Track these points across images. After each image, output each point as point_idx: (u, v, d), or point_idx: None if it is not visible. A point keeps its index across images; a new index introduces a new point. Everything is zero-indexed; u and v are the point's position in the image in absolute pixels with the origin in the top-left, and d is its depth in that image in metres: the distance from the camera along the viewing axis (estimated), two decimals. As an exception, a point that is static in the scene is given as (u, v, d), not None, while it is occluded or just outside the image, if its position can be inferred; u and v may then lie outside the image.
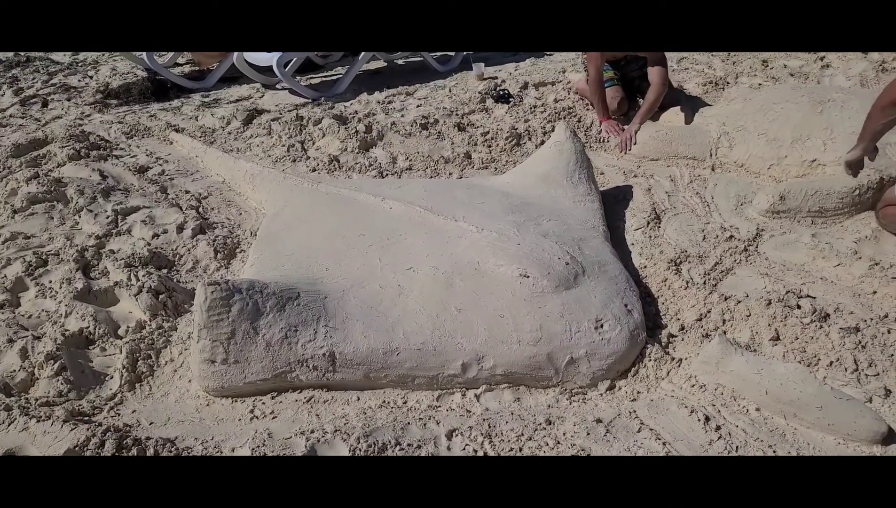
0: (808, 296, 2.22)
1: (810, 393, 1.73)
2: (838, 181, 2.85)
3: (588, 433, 1.79)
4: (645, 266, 2.60)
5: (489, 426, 1.84)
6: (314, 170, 3.46)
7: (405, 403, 1.97)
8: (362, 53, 4.83)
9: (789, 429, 1.75)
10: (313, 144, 3.75)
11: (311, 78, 5.07)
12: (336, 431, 1.75)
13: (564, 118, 3.96)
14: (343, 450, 1.70)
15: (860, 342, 1.97)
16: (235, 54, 4.66)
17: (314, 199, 2.83)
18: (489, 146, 3.63)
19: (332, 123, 3.83)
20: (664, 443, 1.73)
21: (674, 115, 3.81)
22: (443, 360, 2.00)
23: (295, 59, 4.67)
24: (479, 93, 4.34)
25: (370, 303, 2.13)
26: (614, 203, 3.09)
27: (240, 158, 3.44)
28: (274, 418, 1.88)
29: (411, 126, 3.84)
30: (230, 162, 3.39)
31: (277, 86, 4.83)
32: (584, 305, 2.11)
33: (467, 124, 3.90)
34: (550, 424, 1.86)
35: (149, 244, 2.65)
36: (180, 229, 2.76)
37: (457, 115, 4.06)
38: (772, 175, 3.20)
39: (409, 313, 2.09)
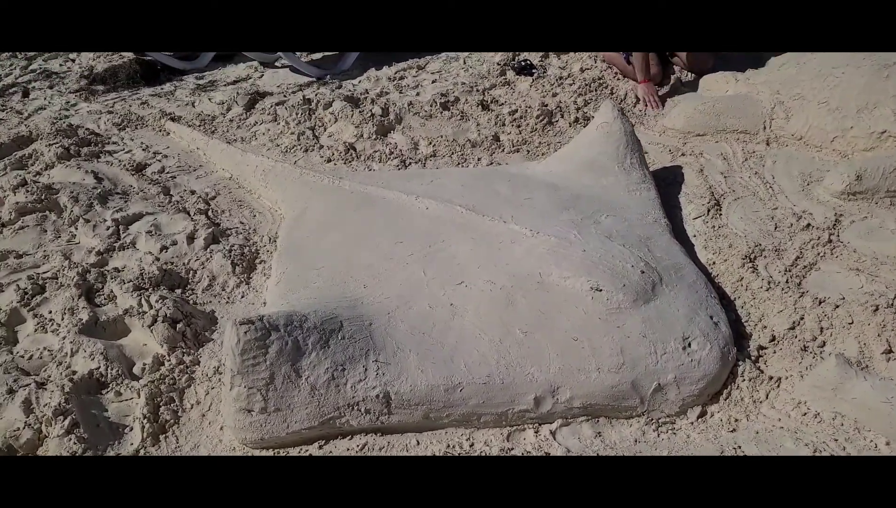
0: (915, 298, 1.96)
1: (955, 427, 1.48)
2: (917, 157, 2.58)
3: (694, 481, 1.54)
4: (714, 263, 2.33)
5: (575, 474, 1.59)
6: (329, 161, 3.14)
7: (472, 446, 1.71)
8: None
9: (930, 469, 1.51)
10: (325, 130, 3.42)
11: (312, 54, 4.69)
12: (404, 494, 1.49)
13: (596, 90, 3.64)
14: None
15: None
16: (230, 31, 4.27)
17: (338, 199, 2.54)
18: (518, 126, 3.32)
19: (345, 105, 3.49)
20: (788, 493, 1.48)
21: (718, 83, 3.50)
22: (512, 394, 1.74)
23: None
24: (498, 64, 4.00)
25: (421, 328, 1.86)
26: (665, 188, 2.79)
27: (247, 150, 3.11)
28: (325, 474, 1.62)
29: (430, 106, 3.51)
30: (237, 156, 3.06)
31: (277, 64, 4.46)
32: (667, 321, 1.85)
33: (491, 102, 3.58)
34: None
35: (157, 260, 2.35)
36: (191, 239, 2.46)
37: (477, 91, 3.72)
38: (836, 149, 2.91)
39: (468, 339, 1.82)
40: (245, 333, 1.60)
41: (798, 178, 2.77)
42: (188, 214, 2.66)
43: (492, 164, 3.05)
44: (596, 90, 3.63)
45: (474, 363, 1.76)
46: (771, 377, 1.83)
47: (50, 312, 2.08)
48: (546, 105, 3.40)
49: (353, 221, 2.38)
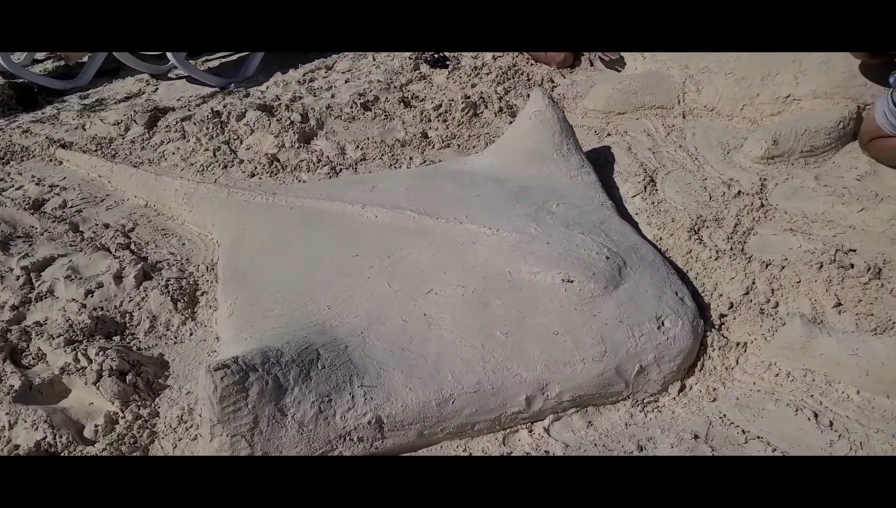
0: (851, 250, 2.11)
1: (917, 368, 1.60)
2: (821, 116, 2.77)
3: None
4: (660, 238, 2.40)
5: (580, 469, 1.59)
6: (253, 175, 2.97)
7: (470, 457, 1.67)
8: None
9: (897, 410, 1.62)
10: (241, 143, 3.22)
11: (207, 60, 4.42)
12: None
13: (513, 77, 3.65)
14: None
15: (930, 298, 1.88)
16: (114, 44, 3.93)
17: (277, 216, 2.39)
18: (445, 121, 3.27)
19: (260, 115, 3.30)
20: (783, 453, 1.55)
21: (626, 61, 3.61)
22: (503, 398, 1.71)
23: (192, 42, 4.01)
24: (410, 58, 3.93)
25: (399, 343, 1.79)
26: (599, 169, 2.84)
27: (161, 173, 2.88)
28: (326, 513, 1.52)
29: (351, 108, 3.39)
30: (150, 180, 2.82)
31: (171, 74, 4.16)
32: (638, 303, 1.88)
33: (411, 98, 3.51)
34: (643, 450, 1.64)
35: (84, 306, 2.12)
36: (118, 278, 2.23)
37: (395, 87, 3.64)
38: (746, 116, 3.08)
39: (450, 349, 1.77)
40: (222, 378, 1.47)
41: (718, 147, 2.91)
42: (108, 251, 2.42)
43: (425, 162, 3.00)
44: (513, 77, 3.64)
45: (461, 372, 1.72)
46: (737, 344, 1.91)
47: (-30, 383, 1.83)
48: (468, 97, 3.38)
49: (299, 239, 2.26)
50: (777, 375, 1.78)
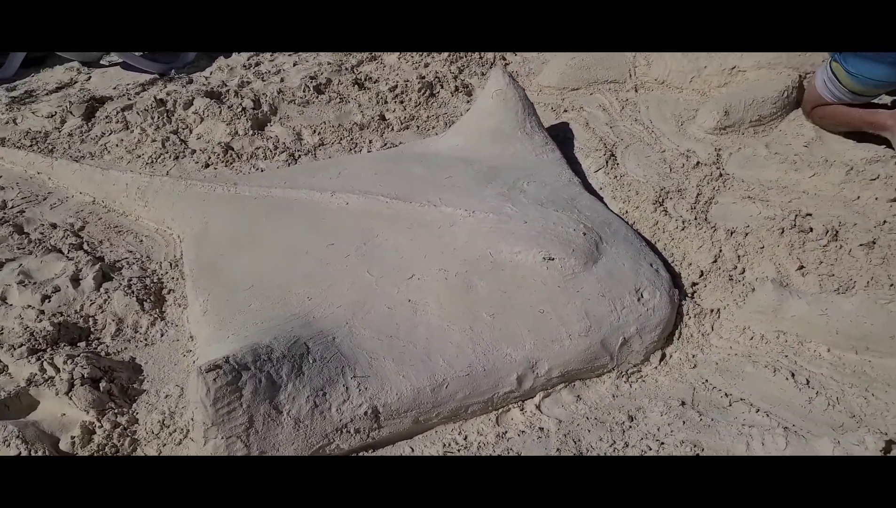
0: (808, 215, 2.21)
1: (881, 324, 1.70)
2: (766, 86, 2.87)
3: (684, 422, 1.64)
4: (626, 211, 2.46)
5: (574, 443, 1.63)
6: (207, 165, 2.85)
7: (466, 439, 1.68)
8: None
9: (866, 364, 1.72)
10: (190, 132, 3.09)
11: (142, 46, 4.19)
12: None
13: (465, 55, 3.63)
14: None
15: (884, 257, 1.99)
16: (40, 30, 3.67)
17: (242, 207, 2.32)
18: (402, 103, 3.22)
19: (209, 102, 3.17)
20: (766, 413, 1.62)
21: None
22: (495, 379, 1.72)
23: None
24: (358, 39, 3.84)
25: (386, 331, 1.77)
26: (560, 145, 2.85)
27: (108, 167, 2.73)
28: (328, 507, 1.50)
29: (304, 91, 3.30)
30: (96, 175, 2.67)
31: (103, 61, 3.93)
32: (617, 277, 1.92)
33: (365, 79, 3.44)
34: (634, 420, 1.69)
35: (42, 313, 2.00)
36: (76, 281, 2.12)
37: (346, 69, 3.56)
38: (695, 88, 3.16)
39: (438, 333, 1.76)
40: (214, 380, 1.42)
41: (672, 119, 2.98)
42: (60, 252, 2.28)
43: (385, 145, 2.95)
44: (466, 56, 3.62)
45: (452, 356, 1.72)
46: (711, 310, 1.98)
47: (-73, 402, 1.70)
48: (423, 77, 3.34)
49: (268, 229, 2.19)
50: (752, 338, 1.85)
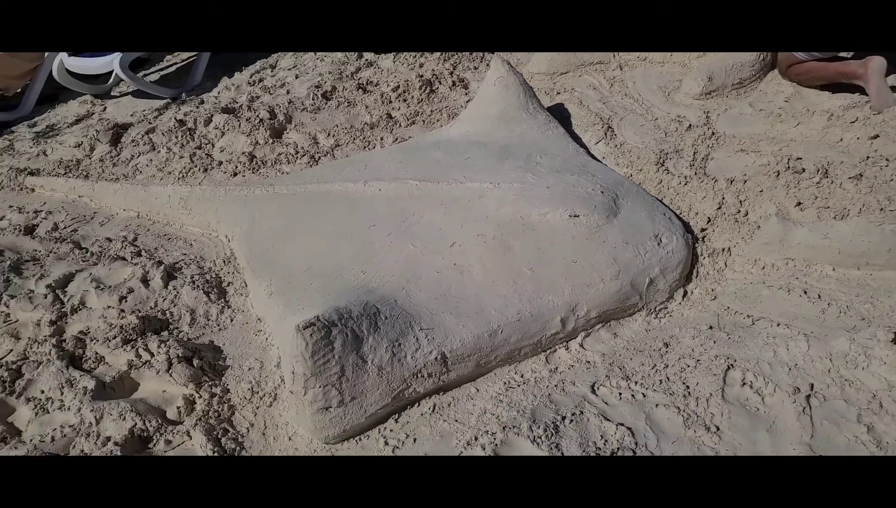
0: (798, 159, 2.46)
1: (877, 240, 1.94)
2: (744, 52, 3.14)
3: (715, 342, 1.87)
4: (631, 175, 2.69)
5: (620, 369, 1.85)
6: (235, 174, 3.06)
7: (523, 377, 1.90)
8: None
9: (868, 277, 1.96)
10: (213, 146, 3.29)
11: (146, 74, 4.39)
12: (505, 428, 1.65)
13: (456, 53, 3.87)
14: (525, 445, 1.61)
15: (871, 186, 2.24)
16: (54, 67, 3.87)
17: (284, 204, 2.53)
18: (405, 101, 3.45)
19: (228, 118, 3.38)
20: (786, 326, 1.86)
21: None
22: (543, 322, 1.94)
23: (140, 54, 3.98)
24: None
25: (439, 292, 1.99)
26: (559, 123, 3.12)
27: (149, 184, 2.93)
28: (415, 441, 1.72)
29: (312, 100, 3.52)
30: (139, 192, 2.87)
31: (114, 92, 4.13)
32: (637, 226, 2.15)
33: (367, 84, 3.66)
34: (668, 346, 1.91)
35: (122, 311, 2.20)
36: (145, 281, 2.31)
37: (346, 76, 3.78)
38: (675, 61, 3.42)
39: (486, 289, 1.98)
40: (311, 335, 1.63)
41: (658, 91, 3.24)
42: (124, 260, 2.48)
43: (396, 140, 3.17)
44: (457, 53, 3.86)
45: (502, 306, 1.94)
46: (722, 249, 2.22)
47: (42, 391, 1.89)
48: (422, 76, 3.57)
49: (311, 221, 2.40)
50: (763, 268, 2.09)
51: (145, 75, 4.41)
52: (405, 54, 3.93)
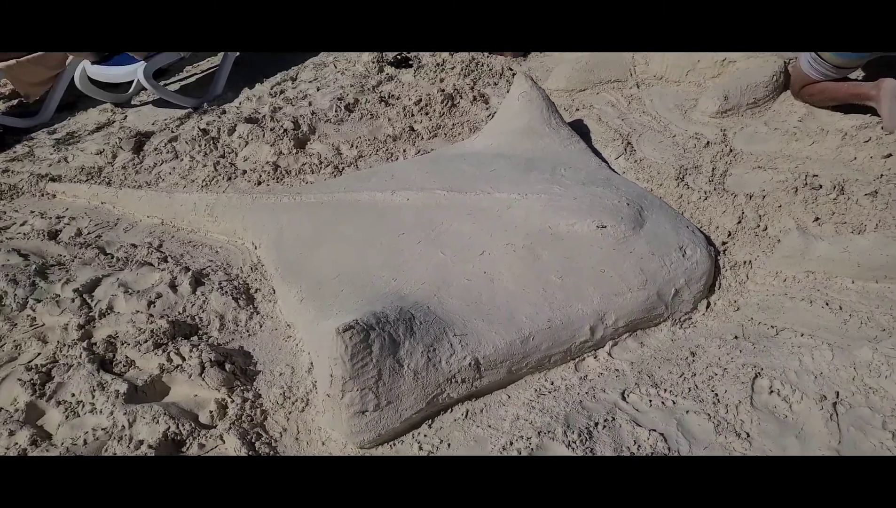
0: (814, 176, 2.51)
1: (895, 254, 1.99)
2: (757, 73, 3.21)
3: (741, 351, 1.90)
4: (651, 190, 2.74)
5: (649, 377, 1.88)
6: (260, 183, 3.10)
7: (553, 384, 1.92)
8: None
9: (886, 290, 2.01)
10: (236, 155, 3.34)
11: (167, 84, 4.45)
12: (540, 433, 1.67)
13: (476, 69, 3.94)
14: (561, 450, 1.63)
15: (887, 203, 2.29)
16: (76, 74, 3.92)
17: (311, 213, 2.56)
18: (427, 114, 3.51)
19: (252, 127, 3.43)
20: (810, 336, 1.89)
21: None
22: (572, 330, 1.98)
23: (164, 63, 4.03)
24: (373, 62, 4.14)
25: (471, 299, 2.02)
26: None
27: (174, 191, 2.97)
28: (449, 446, 1.74)
29: (335, 111, 3.57)
30: (163, 199, 2.91)
31: (134, 101, 4.18)
32: (662, 238, 2.20)
33: (388, 97, 3.72)
34: (695, 355, 1.94)
35: (151, 316, 2.22)
36: (173, 287, 2.34)
37: (368, 89, 3.84)
38: (691, 81, 3.49)
39: (516, 296, 2.02)
40: (350, 338, 1.66)
41: (675, 109, 3.30)
42: (152, 265, 2.51)
43: (419, 152, 3.22)
44: (476, 69, 3.93)
45: (532, 313, 1.97)
46: (744, 262, 2.26)
47: (73, 395, 1.91)
48: (444, 90, 3.63)
49: (340, 228, 2.44)
50: (784, 280, 2.13)
51: (166, 85, 4.46)
52: (426, 68, 3.99)
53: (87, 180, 3.29)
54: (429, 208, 2.42)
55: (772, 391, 1.76)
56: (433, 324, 1.88)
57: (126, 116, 4.00)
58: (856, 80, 2.93)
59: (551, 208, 2.26)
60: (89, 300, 2.33)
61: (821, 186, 2.43)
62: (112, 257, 2.62)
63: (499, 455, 1.65)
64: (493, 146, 2.90)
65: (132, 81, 4.11)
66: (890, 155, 2.52)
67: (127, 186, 3.21)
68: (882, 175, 2.44)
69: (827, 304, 1.99)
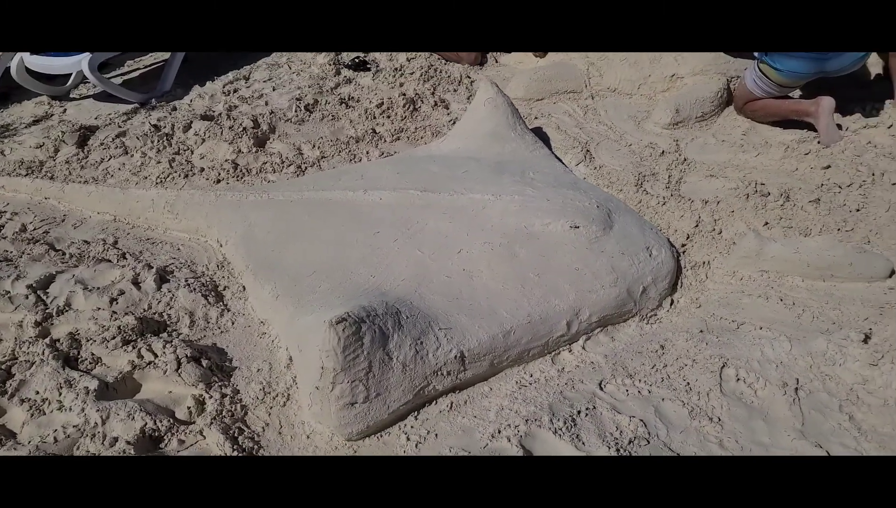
0: (762, 184, 2.69)
1: (841, 255, 2.16)
2: (703, 88, 3.40)
3: (707, 343, 2.01)
4: (612, 195, 2.85)
5: (623, 368, 1.96)
6: (219, 181, 3.02)
7: (532, 376, 1.97)
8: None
9: (833, 288, 2.17)
10: (192, 152, 3.24)
11: (111, 77, 4.26)
12: (528, 421, 1.71)
13: (435, 75, 3.98)
14: (548, 437, 1.68)
15: (829, 209, 2.48)
16: (13, 64, 3.70)
17: (282, 210, 2.52)
18: (389, 117, 3.52)
19: (208, 125, 3.33)
20: (768, 328, 2.02)
21: (528, 55, 4.11)
22: (550, 325, 2.03)
23: (108, 56, 3.86)
24: (329, 64, 4.12)
25: (452, 295, 2.04)
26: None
27: (128, 187, 2.85)
28: (437, 436, 1.75)
29: (295, 111, 3.53)
30: (117, 195, 2.79)
31: (73, 94, 3.99)
32: (631, 238, 2.29)
33: (349, 98, 3.71)
34: (664, 348, 2.04)
35: (114, 313, 2.12)
36: (136, 284, 2.25)
37: (326, 91, 3.82)
38: (643, 94, 3.66)
39: (496, 293, 2.06)
40: (343, 330, 1.65)
41: (629, 120, 3.45)
42: (110, 262, 2.40)
43: (382, 154, 3.23)
44: (436, 75, 3.97)
45: (513, 308, 2.01)
46: (703, 262, 2.39)
47: (37, 392, 1.80)
48: (405, 94, 3.65)
49: (312, 226, 2.41)
50: (741, 279, 2.27)
51: (109, 79, 4.28)
52: (384, 73, 4.01)
53: (26, 174, 3.11)
54: (403, 208, 2.43)
55: (738, 380, 1.87)
56: (419, 318, 1.89)
57: (65, 109, 3.81)
58: (795, 98, 3.15)
59: (526, 208, 2.32)
60: (44, 297, 2.20)
61: (769, 194, 2.60)
62: (64, 254, 2.49)
63: (488, 442, 1.67)
64: (460, 149, 2.94)
65: (70, 74, 3.93)
66: (829, 166, 2.73)
67: (72, 181, 3.05)
68: (822, 184, 2.64)
69: (781, 300, 2.13)
